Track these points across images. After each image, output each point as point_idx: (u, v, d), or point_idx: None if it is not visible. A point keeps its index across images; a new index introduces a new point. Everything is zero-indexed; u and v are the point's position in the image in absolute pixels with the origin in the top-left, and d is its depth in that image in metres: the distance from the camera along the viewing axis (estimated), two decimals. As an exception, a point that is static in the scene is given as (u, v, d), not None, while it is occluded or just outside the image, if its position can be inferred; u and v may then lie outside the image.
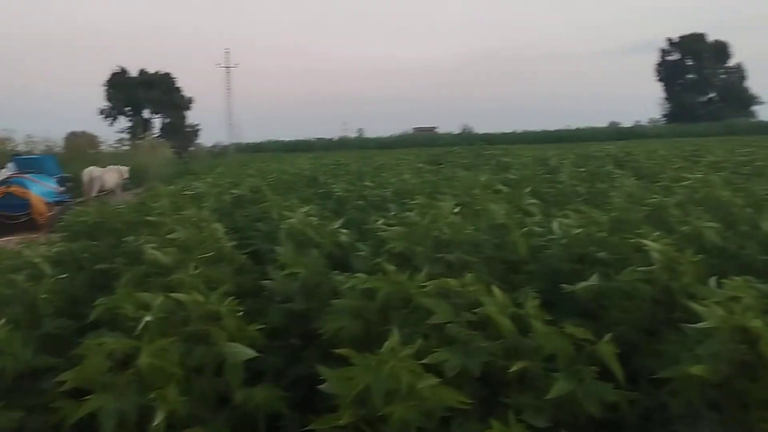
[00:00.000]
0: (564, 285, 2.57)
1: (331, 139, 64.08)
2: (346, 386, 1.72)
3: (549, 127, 61.37)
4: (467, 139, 52.78)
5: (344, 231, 3.51)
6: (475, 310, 2.10)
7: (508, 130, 61.45)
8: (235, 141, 62.31)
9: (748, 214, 3.33)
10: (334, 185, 6.18)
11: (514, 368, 1.94)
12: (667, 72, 67.32)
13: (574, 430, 1.95)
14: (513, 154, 13.36)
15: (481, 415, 2.02)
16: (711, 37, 66.02)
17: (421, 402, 1.68)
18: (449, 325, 2.09)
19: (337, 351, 1.87)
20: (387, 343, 1.85)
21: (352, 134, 68.94)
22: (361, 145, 57.18)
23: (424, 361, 1.84)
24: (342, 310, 2.29)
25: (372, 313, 2.29)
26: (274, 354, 2.51)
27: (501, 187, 5.33)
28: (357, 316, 2.28)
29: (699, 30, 66.80)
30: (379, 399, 1.64)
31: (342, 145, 58.93)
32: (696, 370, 1.81)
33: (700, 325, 1.97)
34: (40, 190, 14.93)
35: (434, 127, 72.26)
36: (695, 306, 2.02)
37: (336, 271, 2.87)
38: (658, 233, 2.80)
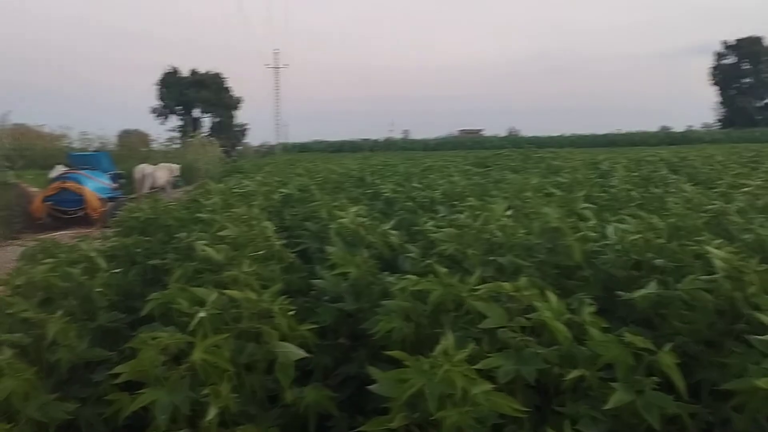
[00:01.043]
0: (620, 292, 2.49)
1: (376, 140, 64.26)
2: (398, 389, 1.69)
3: (597, 130, 60.37)
4: (514, 141, 52.34)
5: (394, 232, 3.49)
6: (529, 316, 2.05)
7: (555, 132, 60.70)
8: (282, 140, 63.04)
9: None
10: (382, 186, 6.17)
11: (570, 376, 1.89)
12: (722, 75, 65.56)
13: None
14: (562, 158, 13.15)
15: (535, 423, 1.98)
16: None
17: (475, 408, 1.65)
18: (502, 330, 2.04)
19: (390, 353, 1.85)
20: (440, 346, 1.82)
21: (398, 135, 69.00)
22: (406, 146, 57.22)
23: (477, 366, 1.81)
24: (393, 312, 2.27)
25: (423, 316, 2.26)
26: (323, 353, 2.51)
27: (553, 190, 5.25)
28: (408, 318, 2.25)
29: (757, 33, 64.75)
30: (432, 403, 1.61)
31: (388, 146, 59.07)
32: (763, 383, 1.73)
33: (766, 336, 1.89)
34: (94, 186, 15.34)
35: (480, 130, 71.86)
36: (762, 317, 1.93)
37: (385, 272, 2.86)
38: (719, 241, 2.70)
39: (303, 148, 58.95)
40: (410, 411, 1.71)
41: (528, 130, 65.05)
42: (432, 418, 1.62)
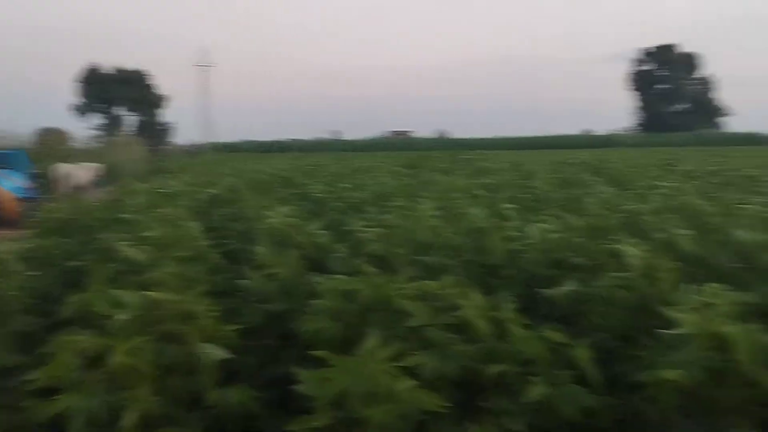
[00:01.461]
0: (542, 290, 2.57)
1: (307, 141, 63.88)
2: (323, 388, 1.70)
3: (524, 133, 61.82)
4: (443, 143, 53.10)
5: (322, 232, 3.49)
6: (453, 314, 2.10)
7: (483, 135, 61.80)
8: (210, 140, 61.78)
9: (720, 223, 3.37)
10: (311, 187, 6.15)
11: (491, 372, 1.94)
12: (640, 82, 68.29)
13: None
14: (489, 159, 13.43)
15: (459, 418, 2.02)
16: (683, 49, 67.17)
17: (399, 405, 1.67)
18: (427, 328, 2.08)
19: (315, 353, 1.85)
20: (365, 345, 1.84)
21: (329, 136, 68.75)
22: (337, 147, 57.06)
23: (402, 364, 1.83)
24: (320, 311, 2.27)
25: (351, 315, 2.27)
26: (250, 354, 2.48)
27: (479, 191, 5.35)
28: (335, 318, 2.26)
29: (672, 42, 67.82)
30: (357, 401, 1.63)
31: (318, 147, 58.76)
32: (670, 375, 1.82)
33: (675, 331, 1.98)
34: (9, 185, 14.67)
35: (411, 131, 72.40)
36: (671, 312, 2.03)
37: (314, 272, 2.85)
38: (634, 240, 2.82)
39: (232, 148, 57.84)
40: (336, 410, 1.71)
41: (457, 132, 65.93)
42: (357, 416, 1.63)
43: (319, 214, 4.64)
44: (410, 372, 1.86)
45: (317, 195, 5.58)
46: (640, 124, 68.00)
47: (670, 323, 2.03)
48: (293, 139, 63.93)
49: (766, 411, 1.86)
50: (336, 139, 67.32)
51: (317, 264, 3.22)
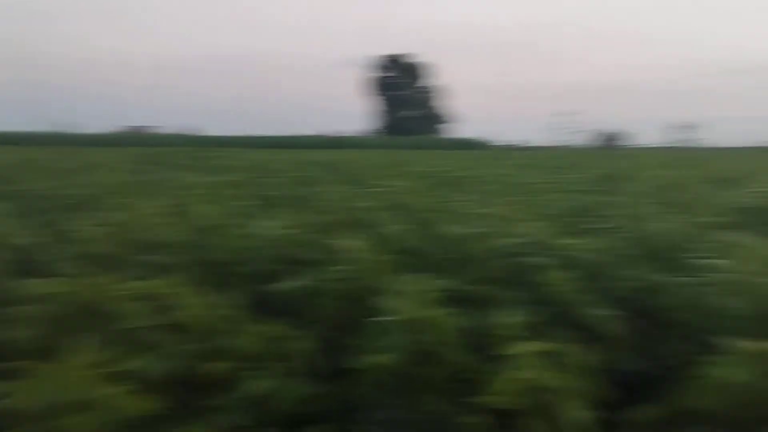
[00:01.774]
0: (268, 285, 2.63)
1: (34, 133, 57.16)
2: (23, 400, 1.56)
3: (268, 132, 62.03)
4: (188, 140, 51.44)
5: (32, 232, 3.19)
6: (173, 313, 2.06)
7: (230, 133, 60.82)
8: None
9: (432, 218, 3.72)
10: (28, 183, 5.57)
11: (214, 369, 1.94)
12: (376, 87, 72.37)
13: (276, 425, 2.00)
14: (233, 158, 13.33)
15: (184, 417, 1.99)
16: (418, 59, 72.71)
17: (105, 412, 1.59)
18: (146, 329, 2.01)
19: (15, 363, 1.69)
20: (70, 351, 1.72)
21: (61, 128, 62.29)
22: (71, 141, 52.07)
23: (115, 369, 1.75)
24: (23, 318, 2.08)
25: (59, 320, 2.11)
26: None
27: (215, 188, 5.29)
28: (41, 324, 2.08)
29: (408, 51, 73.09)
30: (60, 411, 1.52)
31: (48, 139, 53.07)
32: (380, 359, 1.98)
33: (385, 318, 2.15)
34: None
35: (152, 126, 68.80)
36: (381, 301, 2.20)
37: (23, 276, 2.59)
38: (357, 235, 3.00)
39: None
40: (40, 422, 1.59)
41: (205, 130, 64.05)
42: (58, 427, 1.53)
43: (34, 212, 4.23)
44: (127, 375, 1.78)
45: (34, 192, 5.07)
46: (377, 128, 72.08)
47: (381, 311, 2.20)
48: (16, 131, 56.71)
49: (461, 387, 2.09)
50: (69, 132, 61.20)
51: (28, 267, 2.94)
